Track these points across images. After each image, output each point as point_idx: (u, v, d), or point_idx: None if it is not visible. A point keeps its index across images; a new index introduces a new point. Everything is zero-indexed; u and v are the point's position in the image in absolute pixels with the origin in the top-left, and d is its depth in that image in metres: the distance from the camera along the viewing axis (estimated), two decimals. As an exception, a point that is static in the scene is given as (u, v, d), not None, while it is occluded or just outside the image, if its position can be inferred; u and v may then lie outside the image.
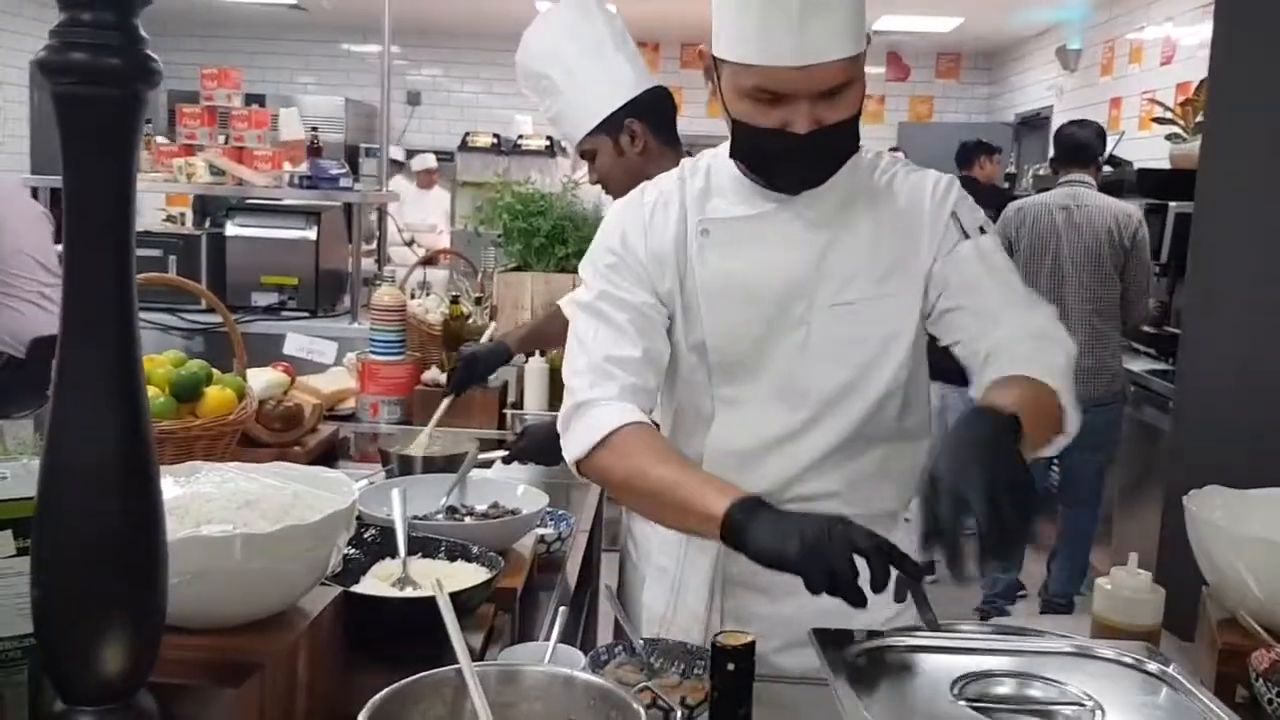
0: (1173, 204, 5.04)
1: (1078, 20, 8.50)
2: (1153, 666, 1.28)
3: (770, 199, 1.61)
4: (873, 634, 1.30)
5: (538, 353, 3.15)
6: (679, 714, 1.26)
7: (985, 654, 1.27)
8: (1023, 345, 1.49)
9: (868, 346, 1.60)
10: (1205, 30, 6.14)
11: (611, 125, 2.46)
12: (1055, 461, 4.65)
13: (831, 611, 1.24)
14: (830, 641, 1.24)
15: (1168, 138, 5.68)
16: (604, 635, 2.93)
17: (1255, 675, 1.28)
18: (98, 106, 0.88)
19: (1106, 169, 5.94)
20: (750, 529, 1.30)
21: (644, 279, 1.64)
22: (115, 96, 0.88)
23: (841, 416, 1.62)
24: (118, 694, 0.97)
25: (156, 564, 0.99)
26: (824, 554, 1.21)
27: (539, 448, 2.55)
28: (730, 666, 0.92)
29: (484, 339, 2.94)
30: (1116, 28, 7.79)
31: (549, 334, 2.97)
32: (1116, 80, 7.74)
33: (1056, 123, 8.64)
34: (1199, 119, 5.37)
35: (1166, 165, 5.63)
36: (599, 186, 2.64)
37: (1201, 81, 5.57)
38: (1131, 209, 4.64)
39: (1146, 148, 6.42)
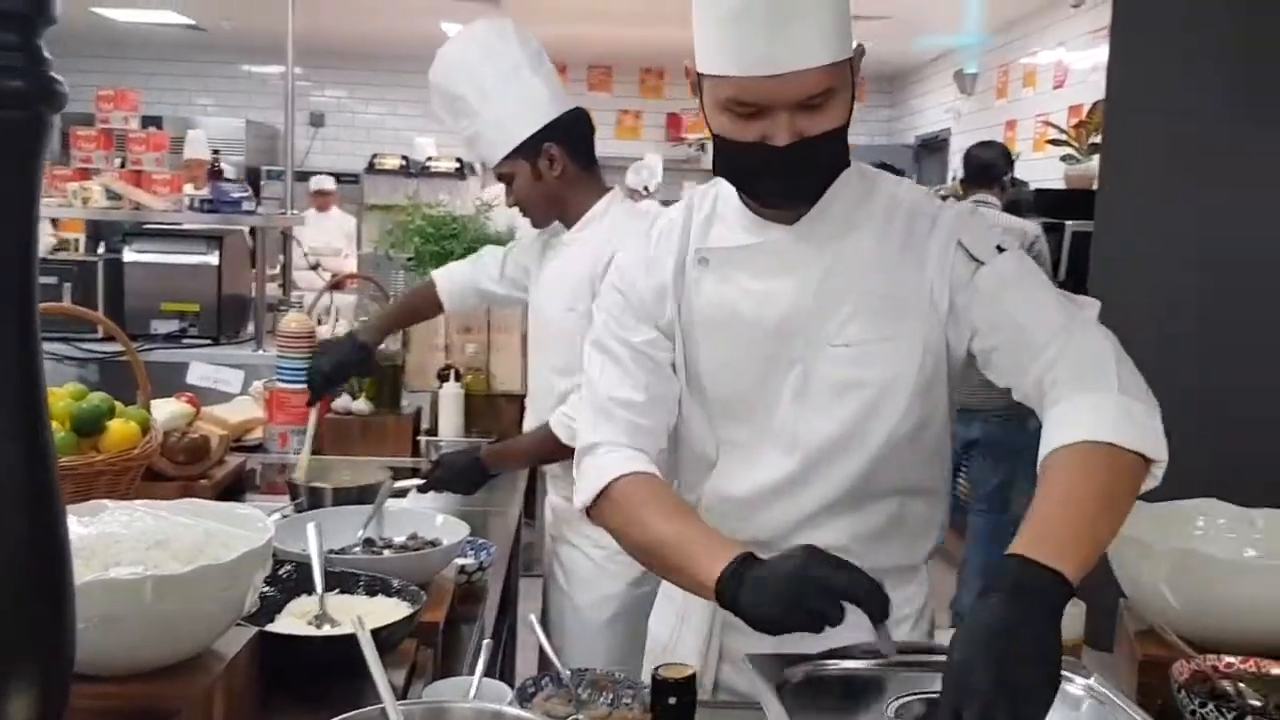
0: (1069, 223, 5.17)
1: (974, 45, 8.72)
2: (1078, 681, 1.28)
3: (771, 229, 1.54)
4: (810, 658, 1.29)
5: (453, 376, 3.11)
6: (611, 748, 1.24)
7: (922, 673, 1.27)
8: (1066, 387, 1.34)
9: (865, 393, 1.51)
10: (1096, 54, 6.35)
11: (529, 149, 2.42)
12: (962, 469, 4.73)
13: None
14: (767, 665, 1.23)
15: (1062, 158, 5.85)
16: (524, 665, 2.89)
17: (1177, 687, 1.29)
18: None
19: (908, 180, 6.08)
20: (740, 600, 1.28)
21: (646, 315, 1.61)
22: (18, 119, 0.83)
23: (840, 468, 1.54)
24: (23, 750, 0.92)
25: (63, 607, 0.93)
26: (810, 609, 1.21)
27: (456, 476, 2.51)
28: (671, 700, 0.90)
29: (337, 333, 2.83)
30: (1011, 52, 8.01)
31: (418, 307, 2.89)
32: (1012, 103, 7.95)
33: (955, 145, 8.86)
34: (1092, 140, 5.54)
35: (1061, 185, 5.80)
36: (515, 208, 2.61)
37: (1095, 103, 5.75)
38: (1030, 226, 4.75)
39: (1042, 168, 6.60)
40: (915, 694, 1.14)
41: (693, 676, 0.91)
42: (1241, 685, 1.29)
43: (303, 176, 8.75)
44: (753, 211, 1.55)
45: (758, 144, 1.42)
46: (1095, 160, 5.46)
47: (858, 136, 1.52)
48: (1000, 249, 1.48)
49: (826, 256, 1.51)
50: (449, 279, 2.86)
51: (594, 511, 1.54)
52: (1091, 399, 1.30)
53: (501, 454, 2.56)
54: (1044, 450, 1.29)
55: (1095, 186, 3.86)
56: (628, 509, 1.50)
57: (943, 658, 1.09)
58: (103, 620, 1.08)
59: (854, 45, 1.44)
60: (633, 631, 2.54)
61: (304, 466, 2.37)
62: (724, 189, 1.59)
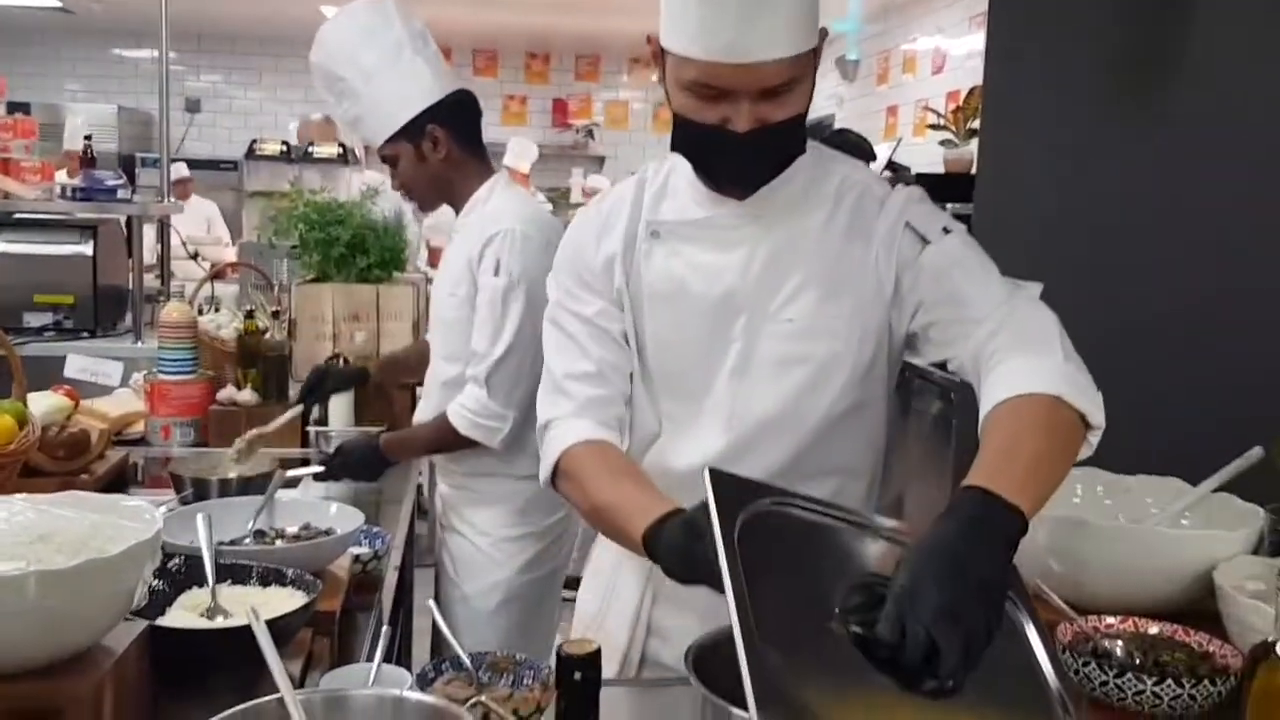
0: (948, 205, 5.29)
1: (854, 32, 8.86)
2: None
3: (721, 204, 1.55)
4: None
5: (340, 365, 3.06)
6: (514, 727, 1.24)
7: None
8: (1009, 352, 1.36)
9: (806, 369, 1.53)
10: (973, 41, 6.52)
11: (412, 131, 2.41)
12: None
13: None
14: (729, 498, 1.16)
15: (941, 143, 5.99)
16: (419, 653, 2.88)
17: (1062, 648, 1.34)
18: None
19: (886, 174, 6.21)
20: (659, 554, 1.31)
21: (596, 287, 1.62)
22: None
23: (776, 444, 1.55)
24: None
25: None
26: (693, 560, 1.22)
27: (355, 464, 2.48)
28: (577, 675, 0.91)
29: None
30: (891, 39, 8.17)
31: (412, 362, 2.88)
32: (893, 89, 8.11)
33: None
34: (969, 125, 5.69)
35: (941, 169, 5.94)
36: (399, 193, 2.59)
37: (972, 89, 5.90)
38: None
39: (922, 153, 6.74)
40: (867, 577, 1.11)
41: (598, 651, 0.92)
42: (1121, 644, 1.35)
43: (193, 164, 8.52)
44: (706, 187, 1.56)
45: (717, 127, 1.43)
46: (972, 144, 5.62)
47: (741, 123, 1.53)
48: (946, 230, 1.51)
49: (775, 234, 1.53)
50: None
51: (555, 485, 1.59)
52: (1036, 360, 1.33)
53: (401, 442, 2.55)
54: (989, 404, 1.31)
55: (973, 170, 3.97)
56: (578, 479, 1.54)
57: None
58: (-16, 618, 1.05)
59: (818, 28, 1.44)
60: (522, 617, 2.56)
61: (247, 461, 2.34)
62: (678, 163, 1.60)
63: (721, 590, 1.04)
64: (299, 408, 2.63)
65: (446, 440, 2.48)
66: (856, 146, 5.48)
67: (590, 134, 10.91)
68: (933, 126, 6.20)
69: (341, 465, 2.47)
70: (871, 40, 8.56)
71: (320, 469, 2.37)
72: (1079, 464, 1.67)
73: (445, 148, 2.43)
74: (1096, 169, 2.67)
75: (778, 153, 1.49)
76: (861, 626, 1.04)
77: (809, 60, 1.43)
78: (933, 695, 1.02)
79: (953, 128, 5.93)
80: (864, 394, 1.56)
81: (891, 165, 6.52)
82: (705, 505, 1.16)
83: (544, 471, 1.59)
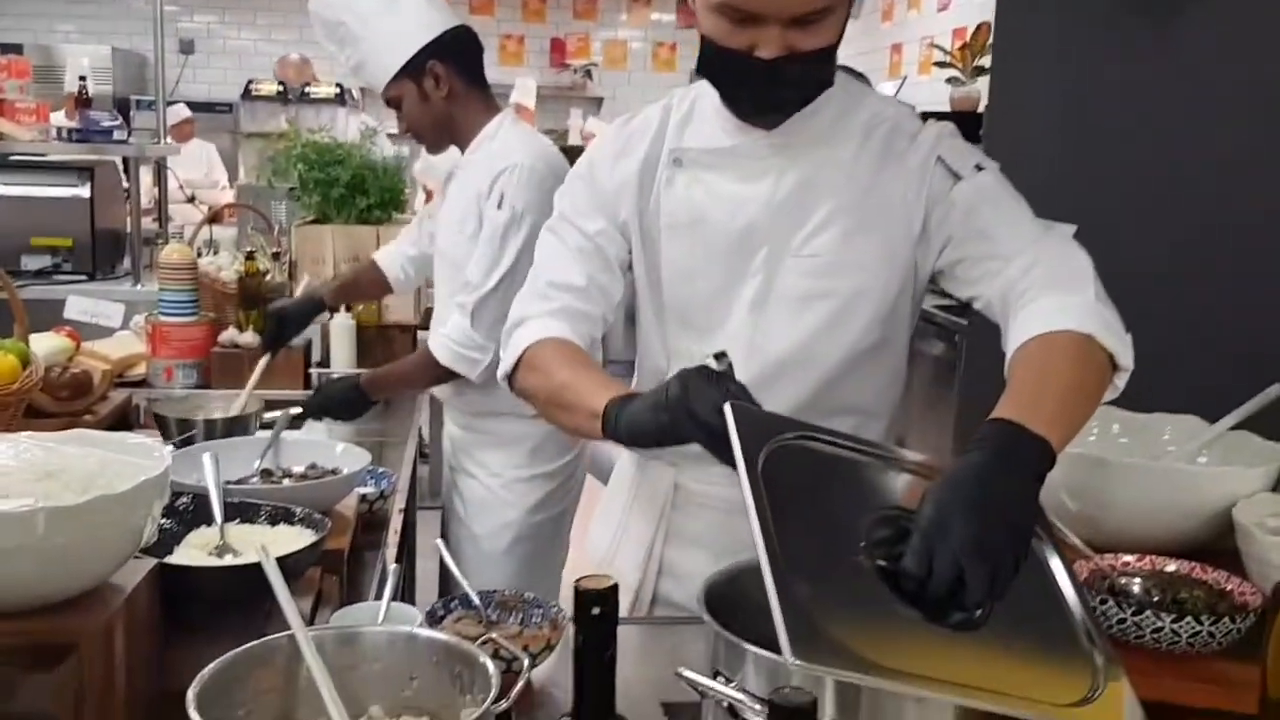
0: (957, 141, 5.26)
1: (858, -32, 8.75)
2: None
3: (747, 133, 1.51)
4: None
5: (343, 308, 3.06)
6: (526, 662, 1.24)
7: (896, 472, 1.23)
8: (1041, 289, 1.34)
9: (829, 305, 1.50)
10: (980, -23, 6.42)
11: (414, 69, 2.39)
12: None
13: None
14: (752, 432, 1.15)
15: (947, 81, 5.92)
16: (424, 594, 2.89)
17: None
18: None
19: (895, 98, 6.15)
20: (622, 414, 1.30)
21: (603, 206, 1.59)
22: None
23: (796, 381, 1.52)
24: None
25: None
26: (691, 408, 1.21)
27: (334, 403, 2.48)
28: (595, 611, 0.90)
29: (299, 292, 2.84)
30: (896, -25, 8.06)
31: (363, 285, 2.88)
32: (897, 26, 8.01)
33: (841, 69, 8.90)
34: (976, 62, 5.62)
35: (947, 108, 5.88)
36: (407, 136, 2.56)
37: (979, 26, 5.83)
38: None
39: (927, 91, 6.68)
40: (891, 509, 1.11)
41: (614, 587, 0.91)
42: (1140, 582, 1.34)
43: (193, 107, 8.42)
44: (733, 115, 1.52)
45: (744, 53, 1.38)
46: (979, 82, 5.57)
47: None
48: (979, 168, 1.47)
49: (801, 166, 1.50)
50: (387, 258, 2.84)
51: (513, 380, 1.55)
52: (1067, 299, 1.31)
53: (382, 379, 2.54)
54: (1019, 339, 1.30)
55: (980, 109, 3.92)
56: (539, 369, 1.50)
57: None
58: (-7, 555, 1.03)
59: None
60: (531, 558, 2.56)
61: (241, 408, 2.32)
62: (706, 90, 1.55)
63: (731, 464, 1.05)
64: (265, 360, 2.59)
65: (426, 374, 2.49)
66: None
67: (588, 74, 10.77)
68: (939, 64, 6.13)
69: (321, 404, 2.47)
70: (875, -24, 8.46)
71: (299, 410, 2.35)
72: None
73: (448, 84, 2.41)
74: (1109, 106, 2.64)
75: (804, 83, 1.44)
76: (887, 560, 1.03)
77: None
78: (960, 627, 1.01)
79: (959, 65, 5.86)
80: (886, 332, 1.53)
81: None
82: (685, 399, 1.18)
83: (506, 365, 1.55)
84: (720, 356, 1.27)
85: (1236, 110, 2.37)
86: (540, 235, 1.66)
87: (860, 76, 5.82)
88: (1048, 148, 2.72)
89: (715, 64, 1.44)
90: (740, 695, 0.96)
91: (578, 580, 0.92)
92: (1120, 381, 1.31)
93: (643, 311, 1.63)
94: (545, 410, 1.54)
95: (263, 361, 2.55)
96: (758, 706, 0.92)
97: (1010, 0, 2.87)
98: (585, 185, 1.62)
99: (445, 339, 2.40)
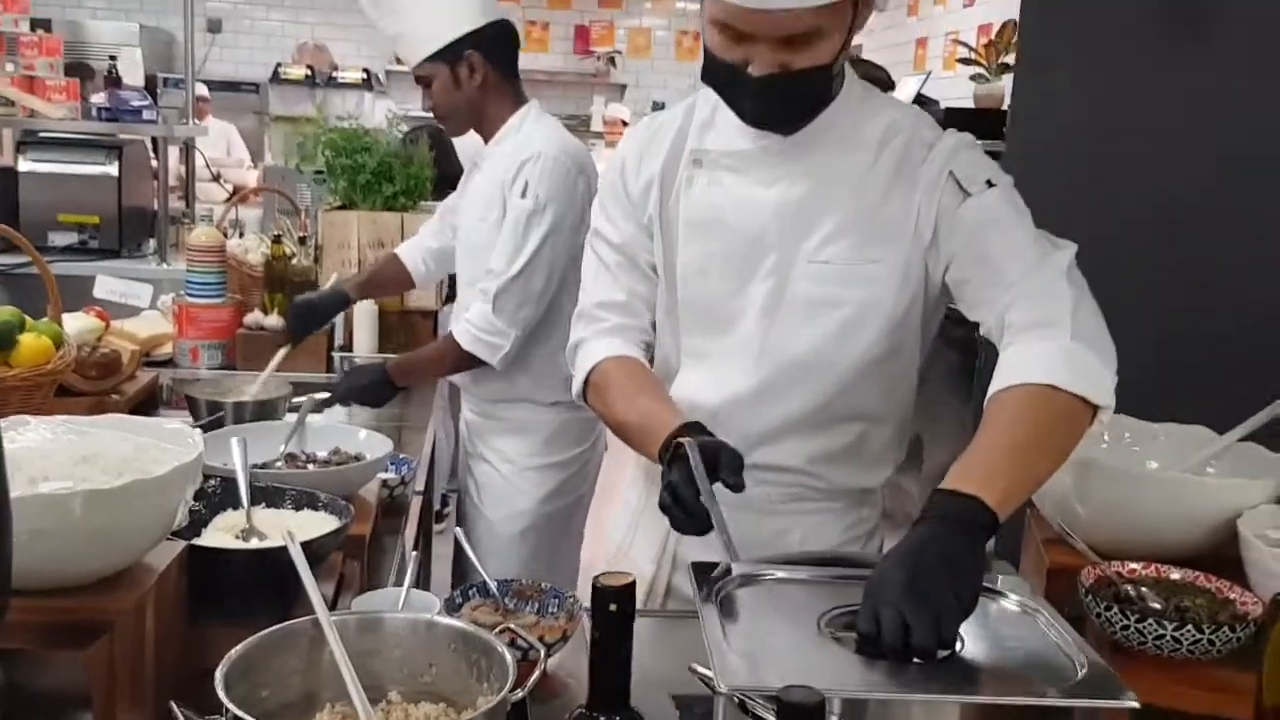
0: (978, 142, 5.25)
1: (885, -39, 8.73)
2: (1013, 597, 1.26)
3: (767, 138, 1.54)
4: (750, 567, 1.32)
5: (370, 298, 3.09)
6: (542, 652, 1.27)
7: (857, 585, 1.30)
8: (1017, 333, 1.38)
9: (842, 313, 1.52)
10: (1007, -26, 6.39)
11: (451, 54, 2.42)
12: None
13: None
14: (705, 573, 1.27)
15: (972, 78, 5.91)
16: (439, 579, 2.93)
17: (1084, 591, 1.36)
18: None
19: (915, 107, 6.14)
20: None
21: (631, 212, 1.65)
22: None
23: (805, 388, 1.55)
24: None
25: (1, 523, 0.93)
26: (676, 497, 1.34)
27: (361, 390, 2.50)
28: (613, 607, 0.93)
29: (326, 286, 2.88)
30: (922, -31, 8.04)
31: (386, 279, 2.91)
32: (922, 21, 8.00)
33: (866, 62, 8.89)
34: (1002, 59, 5.61)
35: (970, 104, 5.87)
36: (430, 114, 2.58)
37: (1005, 23, 5.81)
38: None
39: (952, 87, 6.67)
40: (844, 607, 1.18)
41: (633, 584, 0.94)
42: (1144, 589, 1.36)
43: (213, 86, 8.45)
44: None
45: (736, 67, 1.42)
46: (1004, 80, 5.55)
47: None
48: (990, 184, 1.47)
49: (814, 174, 1.52)
50: (409, 252, 2.87)
51: (586, 399, 1.67)
52: (1040, 346, 1.34)
53: (407, 365, 2.56)
54: (990, 391, 1.34)
55: (1005, 106, 3.90)
56: (603, 394, 1.61)
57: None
58: (33, 535, 1.07)
59: None
60: (545, 545, 2.60)
61: (257, 391, 2.35)
62: None
63: None
64: (287, 348, 2.61)
65: (450, 360, 2.51)
66: (873, 78, 5.42)
67: (612, 61, 10.78)
68: (963, 60, 6.11)
69: (348, 390, 2.49)
70: (903, -30, 8.44)
71: (325, 396, 2.38)
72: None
73: (481, 75, 2.44)
74: (1132, 111, 2.64)
75: (794, 99, 1.47)
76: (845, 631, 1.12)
77: (839, 13, 1.39)
78: (925, 669, 1.06)
79: (984, 62, 5.84)
80: (898, 341, 1.56)
81: (920, 99, 6.46)
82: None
83: (576, 386, 1.67)
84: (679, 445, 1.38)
85: (1264, 115, 2.37)
86: (584, 252, 1.74)
87: (880, 70, 5.82)
88: (1069, 151, 2.72)
89: (712, 75, 1.49)
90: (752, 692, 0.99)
91: (597, 577, 0.95)
92: (1104, 416, 1.33)
93: (658, 309, 1.67)
94: (618, 435, 1.64)
95: (283, 351, 2.58)
96: (767, 703, 0.95)
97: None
98: (614, 188, 1.66)
99: (468, 325, 2.44)
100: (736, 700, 1.01)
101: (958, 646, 1.10)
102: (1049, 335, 1.34)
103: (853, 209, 1.51)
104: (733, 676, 0.99)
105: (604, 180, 1.70)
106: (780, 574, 1.28)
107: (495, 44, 2.45)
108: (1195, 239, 2.43)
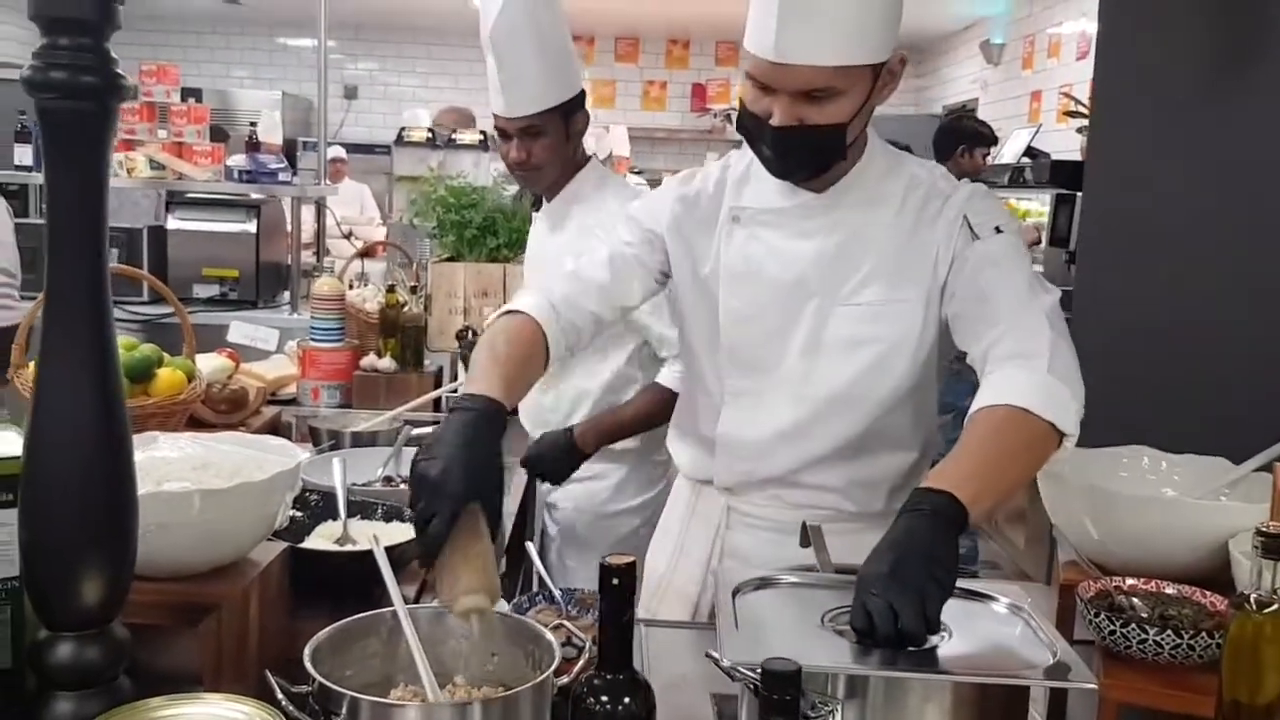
0: (1080, 194, 5.27)
1: (1001, 15, 8.76)
2: (1002, 600, 1.36)
3: (800, 194, 1.69)
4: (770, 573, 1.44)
5: (470, 337, 3.25)
6: (588, 645, 1.41)
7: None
8: (999, 363, 1.48)
9: (876, 349, 1.66)
10: (1112, 27, 6.38)
11: (570, 108, 2.46)
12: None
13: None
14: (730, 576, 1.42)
15: (1079, 130, 5.92)
16: (509, 586, 3.06)
17: (1082, 603, 1.46)
18: (75, 118, 1.03)
19: (1025, 160, 6.19)
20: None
21: (644, 223, 1.80)
22: (92, 110, 1.03)
23: (847, 417, 1.69)
24: (95, 621, 1.12)
25: (129, 516, 1.14)
26: None
27: (552, 463, 2.42)
28: (615, 581, 1.09)
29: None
30: (1037, 23, 8.05)
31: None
32: (1036, 74, 8.00)
33: (982, 115, 8.89)
34: (1107, 112, 5.62)
35: (1078, 156, 5.88)
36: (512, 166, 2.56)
37: (1108, 76, 5.82)
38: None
39: (1062, 139, 6.68)
40: (847, 606, 1.29)
41: (633, 563, 1.10)
42: (1135, 600, 1.46)
43: (349, 148, 8.88)
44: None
45: (760, 116, 1.57)
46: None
47: (885, 106, 1.66)
48: (998, 230, 1.62)
49: (848, 225, 1.67)
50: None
51: None
52: (1018, 374, 1.45)
53: (598, 429, 2.44)
54: (971, 410, 1.46)
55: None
56: (486, 337, 1.67)
57: None
58: (157, 528, 1.26)
59: (890, 53, 1.54)
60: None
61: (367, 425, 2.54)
62: None
63: None
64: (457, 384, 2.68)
65: (655, 414, 2.37)
66: (974, 132, 5.55)
67: (728, 118, 10.98)
68: (1070, 114, 6.14)
69: (538, 457, 2.42)
70: (1017, 24, 8.45)
71: (425, 430, 2.32)
72: (1130, 443, 1.78)
73: (580, 135, 2.52)
74: (1209, 156, 2.69)
75: (807, 152, 1.60)
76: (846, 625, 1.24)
77: (858, 76, 1.53)
78: (922, 652, 1.19)
79: (1088, 114, 5.85)
80: (922, 375, 1.69)
81: (1030, 151, 6.48)
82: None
83: (490, 318, 1.76)
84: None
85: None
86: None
87: (980, 124, 5.89)
88: (1143, 195, 2.79)
89: (741, 123, 1.64)
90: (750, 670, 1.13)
91: (604, 557, 1.11)
92: (1069, 443, 1.44)
93: (699, 352, 1.81)
94: None
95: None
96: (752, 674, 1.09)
97: (1108, 51, 2.95)
98: (635, 223, 1.82)
99: (675, 373, 2.34)
100: (751, 686, 1.15)
101: (946, 637, 1.22)
102: (1028, 366, 1.45)
103: (882, 254, 1.66)
104: (734, 654, 1.13)
105: (634, 209, 1.85)
106: (794, 579, 1.41)
107: (583, 110, 2.54)
108: (1238, 280, 2.48)
